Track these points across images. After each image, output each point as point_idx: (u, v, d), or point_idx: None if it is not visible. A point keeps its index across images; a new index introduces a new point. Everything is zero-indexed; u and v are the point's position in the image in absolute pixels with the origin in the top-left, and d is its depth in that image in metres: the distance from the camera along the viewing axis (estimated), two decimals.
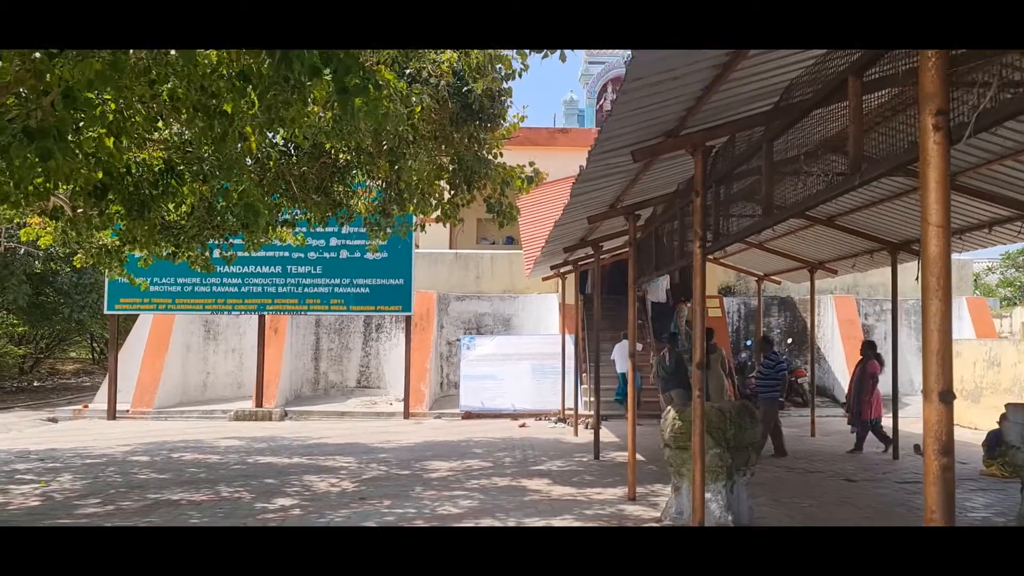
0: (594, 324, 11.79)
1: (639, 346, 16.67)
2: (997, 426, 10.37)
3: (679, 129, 5.35)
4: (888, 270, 16.57)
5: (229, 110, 6.34)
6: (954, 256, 15.84)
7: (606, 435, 12.73)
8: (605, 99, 22.11)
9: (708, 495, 6.79)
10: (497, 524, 7.10)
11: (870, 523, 7.33)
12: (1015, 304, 26.21)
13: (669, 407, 7.54)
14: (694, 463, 5.46)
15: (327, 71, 5.38)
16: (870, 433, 11.90)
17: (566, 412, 16.23)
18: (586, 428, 14.92)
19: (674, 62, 3.98)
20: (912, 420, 14.11)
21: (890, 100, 3.79)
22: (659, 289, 17.29)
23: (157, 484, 9.10)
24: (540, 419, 16.44)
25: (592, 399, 16.30)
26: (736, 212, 5.76)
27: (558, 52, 7.28)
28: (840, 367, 18.23)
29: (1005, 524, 7.29)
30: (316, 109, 7.63)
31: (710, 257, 11.50)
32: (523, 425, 15.74)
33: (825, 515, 7.66)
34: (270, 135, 9.04)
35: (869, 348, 12.73)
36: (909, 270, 11.59)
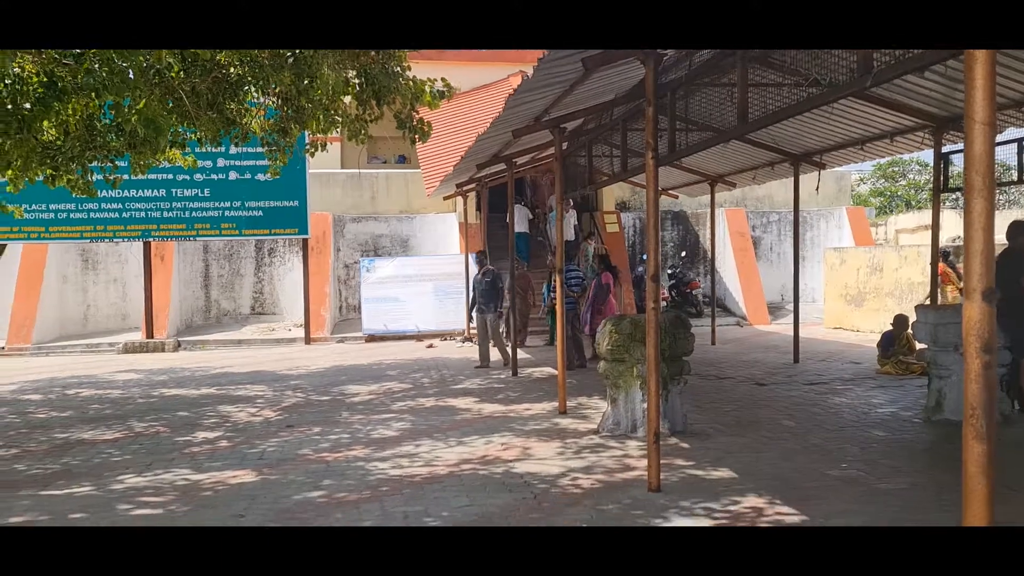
0: (510, 246, 11.69)
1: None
2: (890, 327, 11.04)
3: None
4: (772, 183, 17.19)
5: None
6: (836, 169, 16.53)
7: (518, 352, 12.74)
8: None
9: (645, 405, 6.89)
10: (440, 445, 7.02)
11: (791, 420, 7.69)
12: (887, 213, 27.82)
13: (604, 320, 7.58)
14: (648, 374, 5.48)
15: None
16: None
17: (471, 331, 16.21)
18: (494, 346, 14.94)
19: None
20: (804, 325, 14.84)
21: None
22: (568, 226, 17.28)
23: (61, 423, 8.53)
24: (445, 339, 16.39)
25: None
26: (685, 126, 5.71)
27: None
28: (732, 278, 18.90)
29: (912, 417, 7.78)
30: None
31: (608, 173, 11.53)
32: (430, 346, 15.64)
33: (750, 416, 7.97)
34: None
35: (602, 261, 13.44)
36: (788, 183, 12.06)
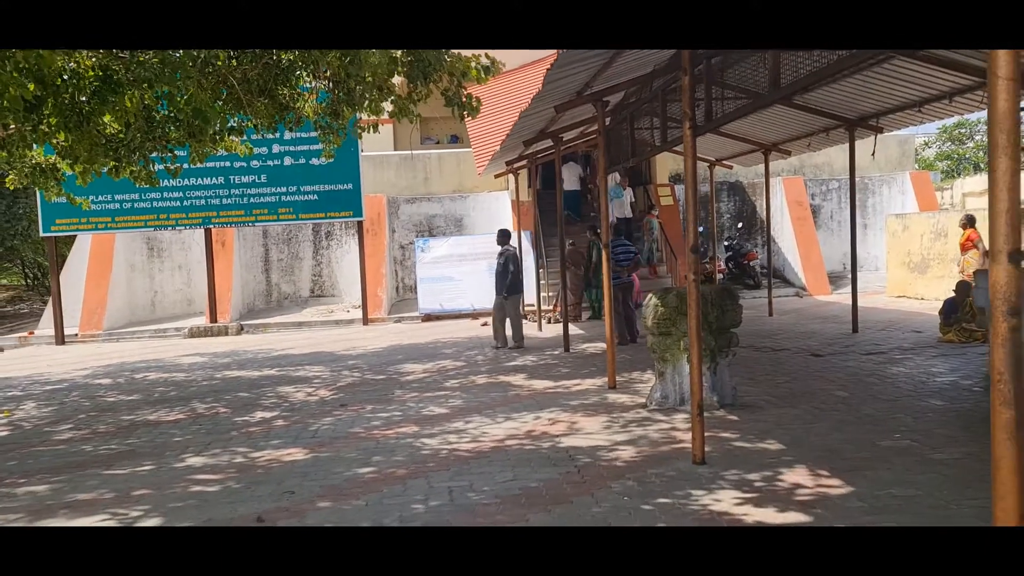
0: (559, 219, 11.66)
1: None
2: (952, 295, 10.72)
3: None
4: (831, 150, 16.75)
5: None
6: (898, 132, 16.02)
7: (571, 328, 12.79)
8: None
9: None
10: (488, 421, 7.10)
11: (845, 391, 7.55)
12: (954, 176, 26.88)
13: (650, 294, 7.53)
14: (691, 346, 5.46)
15: None
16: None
17: (526, 308, 16.26)
18: (549, 323, 15.01)
19: None
20: (867, 294, 14.50)
21: None
22: (623, 204, 17.16)
23: (128, 406, 8.88)
24: None
25: (550, 294, 16.43)
26: (721, 94, 5.62)
27: None
28: (790, 248, 18.56)
29: (972, 386, 7.58)
30: None
31: (652, 145, 11.36)
32: (485, 324, 15.71)
33: (803, 388, 7.85)
34: None
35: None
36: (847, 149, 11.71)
